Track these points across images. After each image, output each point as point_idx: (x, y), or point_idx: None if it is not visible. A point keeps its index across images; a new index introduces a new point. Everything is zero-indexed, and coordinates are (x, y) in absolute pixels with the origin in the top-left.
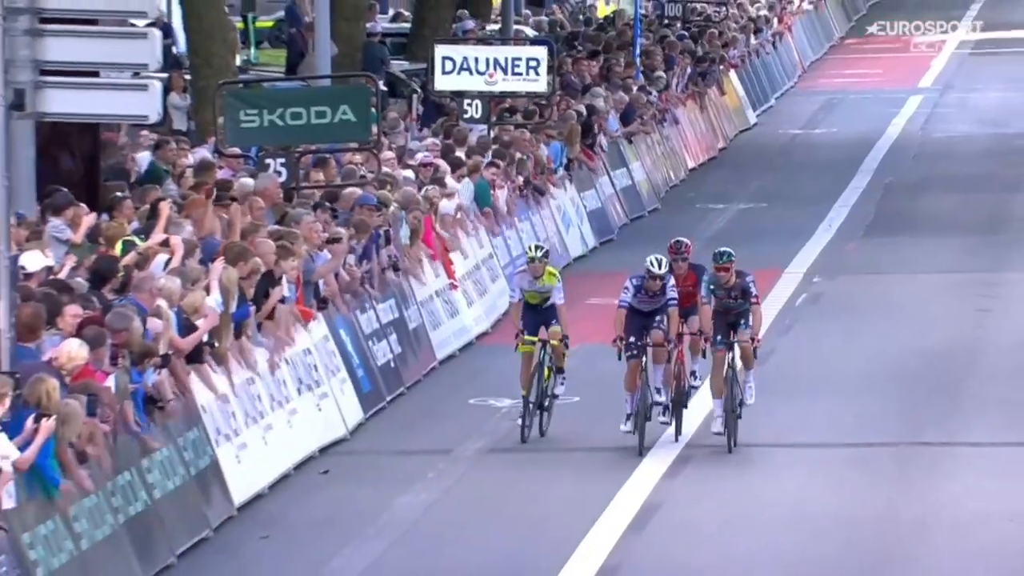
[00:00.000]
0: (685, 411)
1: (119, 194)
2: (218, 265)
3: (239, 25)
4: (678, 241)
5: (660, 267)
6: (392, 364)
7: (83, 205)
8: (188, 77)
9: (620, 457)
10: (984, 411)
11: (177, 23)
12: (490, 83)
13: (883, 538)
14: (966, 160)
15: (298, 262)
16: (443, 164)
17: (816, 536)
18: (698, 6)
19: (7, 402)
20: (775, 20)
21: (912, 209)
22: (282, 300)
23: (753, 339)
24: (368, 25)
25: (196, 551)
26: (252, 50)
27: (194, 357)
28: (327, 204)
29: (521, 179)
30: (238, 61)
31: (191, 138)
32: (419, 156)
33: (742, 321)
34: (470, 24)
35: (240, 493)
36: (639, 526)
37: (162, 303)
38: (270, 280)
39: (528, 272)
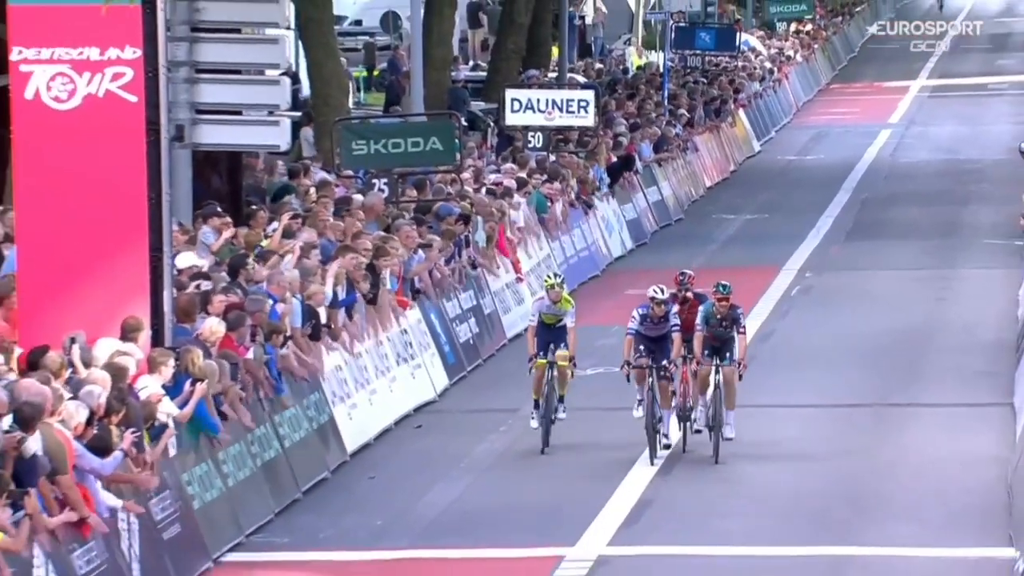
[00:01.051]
0: (689, 424)
1: (255, 207)
2: (334, 265)
3: (362, 74)
4: (683, 273)
5: (663, 294)
6: (471, 341)
7: (228, 216)
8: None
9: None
10: (940, 379)
11: (303, 72)
12: (549, 119)
13: (861, 476)
14: (926, 180)
15: (396, 261)
16: (511, 182)
17: (810, 474)
18: (714, 58)
19: (169, 371)
20: (775, 69)
21: (883, 219)
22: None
23: (740, 362)
24: (453, 73)
25: (317, 488)
26: (361, 93)
27: (315, 335)
28: (422, 216)
29: (572, 195)
30: (350, 102)
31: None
32: (491, 177)
33: (727, 353)
34: (533, 73)
35: (351, 443)
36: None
37: (287, 292)
38: (375, 275)
39: (547, 297)
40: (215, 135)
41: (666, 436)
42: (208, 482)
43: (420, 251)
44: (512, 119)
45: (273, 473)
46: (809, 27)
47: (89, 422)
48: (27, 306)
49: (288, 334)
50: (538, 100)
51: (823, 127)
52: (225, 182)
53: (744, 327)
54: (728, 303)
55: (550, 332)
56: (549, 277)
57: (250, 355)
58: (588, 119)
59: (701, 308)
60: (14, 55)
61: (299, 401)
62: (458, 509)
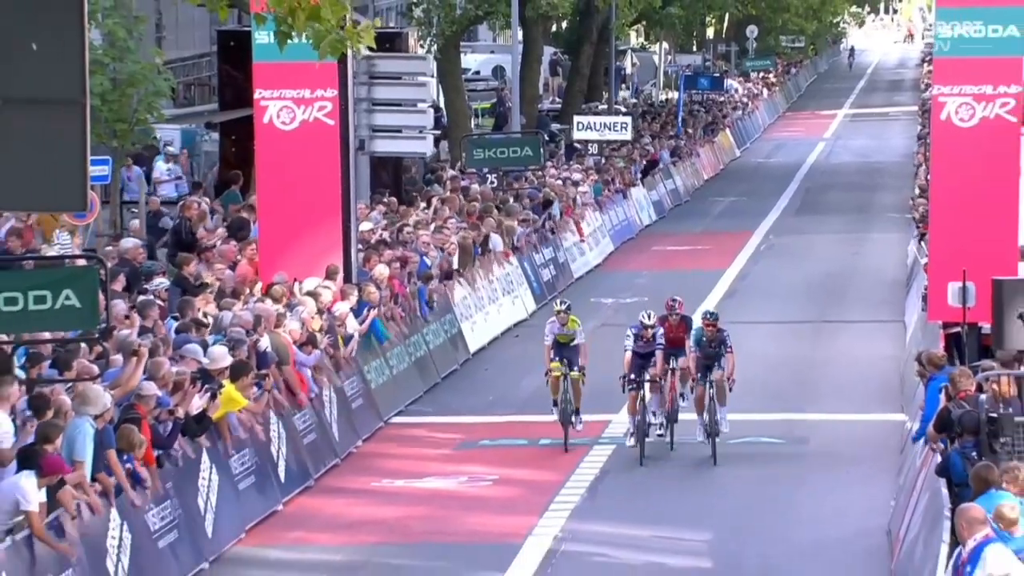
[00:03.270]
0: (676, 425)
1: (411, 193)
2: (462, 233)
3: (481, 106)
4: (673, 299)
5: (650, 319)
6: (550, 280)
7: (393, 199)
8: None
9: None
10: (857, 304)
11: (443, 104)
12: (601, 134)
13: (805, 368)
14: (847, 175)
15: (503, 230)
16: (577, 176)
17: (772, 368)
18: (709, 95)
19: (354, 299)
20: (749, 102)
21: (820, 200)
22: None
23: (729, 377)
24: (539, 105)
25: (450, 376)
26: (480, 119)
27: (448, 276)
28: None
29: (616, 185)
30: (472, 125)
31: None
32: (564, 173)
33: (716, 364)
34: (592, 105)
35: (473, 346)
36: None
37: (433, 249)
38: (487, 238)
39: (557, 321)
40: (384, 146)
41: (660, 428)
42: (380, 371)
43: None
44: (578, 135)
45: (422, 366)
46: (772, 76)
47: (305, 334)
48: (264, 258)
49: (432, 276)
50: (594, 123)
51: (781, 140)
52: (391, 176)
53: (731, 347)
54: (715, 327)
55: (564, 349)
56: (557, 304)
57: (408, 290)
58: (627, 135)
59: (692, 332)
60: (256, 95)
61: (439, 319)
62: (541, 390)
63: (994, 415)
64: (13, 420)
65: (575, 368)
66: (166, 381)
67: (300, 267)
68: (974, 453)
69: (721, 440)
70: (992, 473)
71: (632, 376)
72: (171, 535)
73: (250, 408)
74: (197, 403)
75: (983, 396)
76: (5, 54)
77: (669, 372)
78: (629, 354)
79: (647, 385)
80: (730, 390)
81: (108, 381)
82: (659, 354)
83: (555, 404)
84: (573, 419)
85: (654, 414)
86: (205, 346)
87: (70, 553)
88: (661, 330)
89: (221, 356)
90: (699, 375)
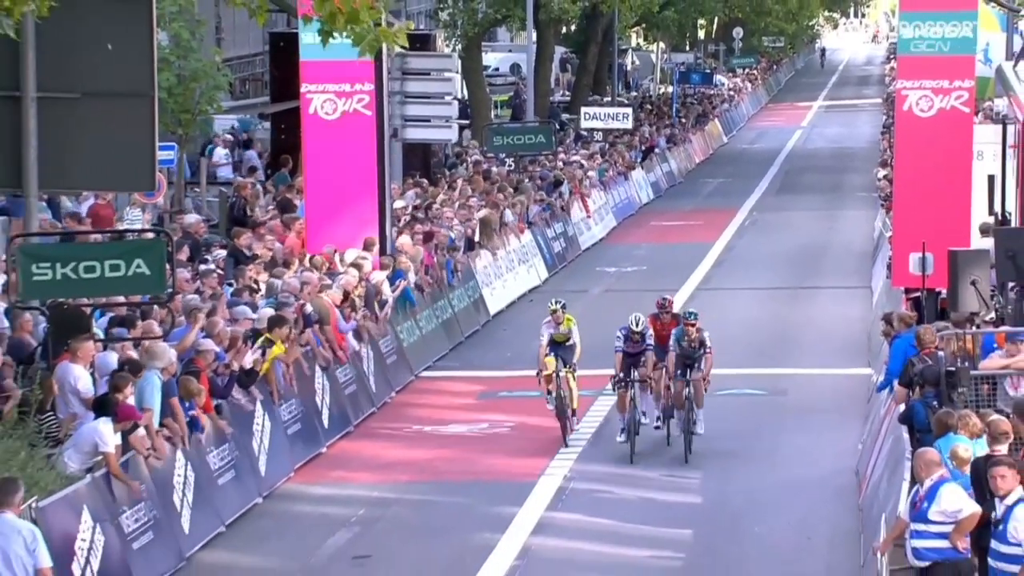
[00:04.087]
0: (672, 421)
1: (438, 175)
2: (484, 210)
3: (500, 98)
4: (664, 298)
5: (638, 325)
6: (560, 251)
7: (424, 179)
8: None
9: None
10: (830, 272)
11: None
12: (605, 123)
13: (786, 327)
14: (821, 159)
15: (519, 208)
16: (584, 160)
17: (755, 328)
18: (700, 89)
19: (388, 269)
20: (736, 95)
21: (798, 182)
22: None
23: (704, 378)
24: (550, 98)
25: (473, 335)
26: (499, 109)
27: (471, 247)
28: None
29: (619, 167)
30: (492, 115)
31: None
32: (573, 156)
33: (696, 364)
34: (596, 97)
35: (493, 309)
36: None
37: (457, 224)
38: (501, 216)
39: (552, 320)
40: (415, 134)
41: (657, 420)
42: (410, 331)
43: (535, 204)
44: (585, 124)
45: (448, 326)
46: (755, 72)
47: (346, 298)
48: (310, 232)
49: (457, 248)
50: (600, 113)
51: (763, 128)
52: (421, 161)
53: (711, 348)
54: (695, 327)
55: (560, 348)
56: (552, 304)
57: (435, 260)
58: (627, 124)
59: (673, 331)
60: (303, 88)
61: (463, 284)
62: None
63: (952, 369)
64: (92, 374)
65: (568, 366)
66: (222, 339)
67: (341, 240)
68: (935, 403)
69: (710, 392)
70: (951, 419)
71: (621, 375)
72: (229, 474)
73: (282, 358)
74: (249, 358)
75: (941, 352)
76: (85, 53)
77: (663, 370)
78: (619, 354)
79: (637, 384)
80: (705, 390)
81: (175, 340)
82: (649, 354)
83: (548, 393)
84: (569, 417)
85: (644, 413)
86: (255, 309)
87: (137, 490)
88: (650, 331)
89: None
90: (678, 372)
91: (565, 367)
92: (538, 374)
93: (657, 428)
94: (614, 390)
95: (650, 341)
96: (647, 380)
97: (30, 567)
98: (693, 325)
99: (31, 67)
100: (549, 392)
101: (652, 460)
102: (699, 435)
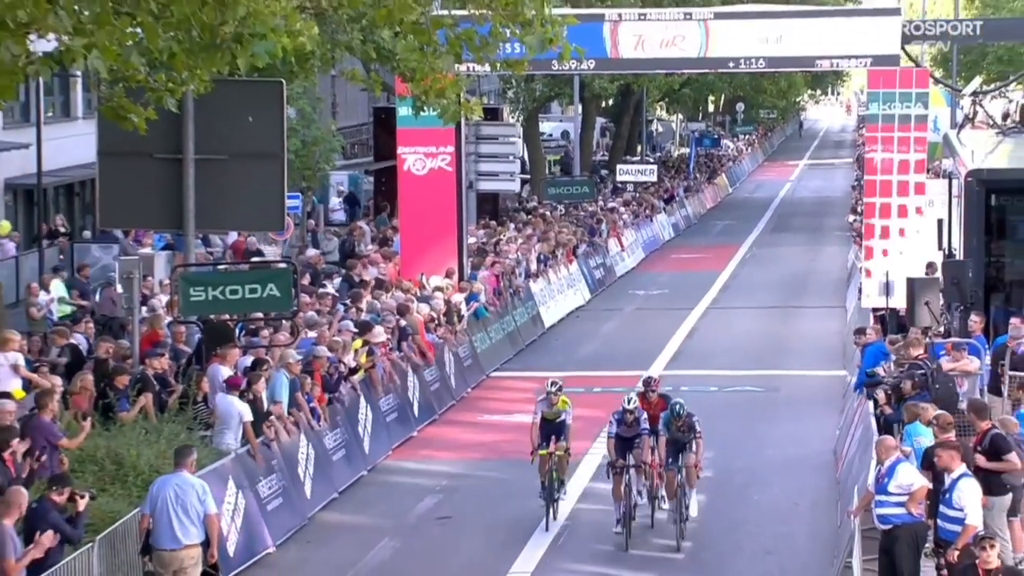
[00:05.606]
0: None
1: (505, 219)
2: (539, 244)
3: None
4: (649, 378)
5: (631, 404)
6: (600, 277)
7: (493, 222)
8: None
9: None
10: (813, 294)
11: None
12: (635, 177)
13: (777, 339)
14: (806, 206)
15: (572, 238)
16: (620, 207)
17: (754, 338)
18: (712, 151)
19: (466, 292)
20: (739, 155)
21: (787, 224)
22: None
23: (696, 464)
24: (593, 157)
25: (531, 344)
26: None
27: (529, 275)
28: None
29: (647, 211)
30: (546, 171)
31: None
32: (610, 203)
33: (688, 447)
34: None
35: (548, 322)
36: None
37: (531, 245)
38: (557, 246)
39: (547, 401)
40: (486, 185)
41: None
42: (482, 340)
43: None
44: (620, 178)
45: (512, 336)
46: (754, 136)
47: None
48: (404, 263)
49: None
50: (631, 169)
51: (761, 181)
52: (491, 207)
53: (700, 432)
54: (681, 421)
55: (551, 426)
56: (549, 386)
57: (502, 284)
58: (653, 178)
59: (662, 415)
60: (399, 150)
61: (523, 303)
62: (594, 353)
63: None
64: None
65: (560, 440)
66: (334, 346)
67: (428, 269)
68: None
69: (718, 388)
70: (917, 408)
71: (616, 460)
72: (341, 452)
73: (364, 362)
74: (350, 358)
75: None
76: (231, 124)
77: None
78: (612, 439)
79: (632, 470)
80: (698, 477)
81: (303, 348)
82: (645, 439)
83: (542, 487)
84: (556, 492)
85: (640, 493)
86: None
87: (261, 461)
88: (645, 415)
89: (376, 331)
90: (669, 460)
91: (556, 441)
92: (532, 452)
93: (663, 508)
94: (608, 476)
95: (645, 425)
96: (641, 466)
97: (201, 513)
98: (678, 419)
99: (190, 135)
100: (542, 484)
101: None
102: (693, 518)
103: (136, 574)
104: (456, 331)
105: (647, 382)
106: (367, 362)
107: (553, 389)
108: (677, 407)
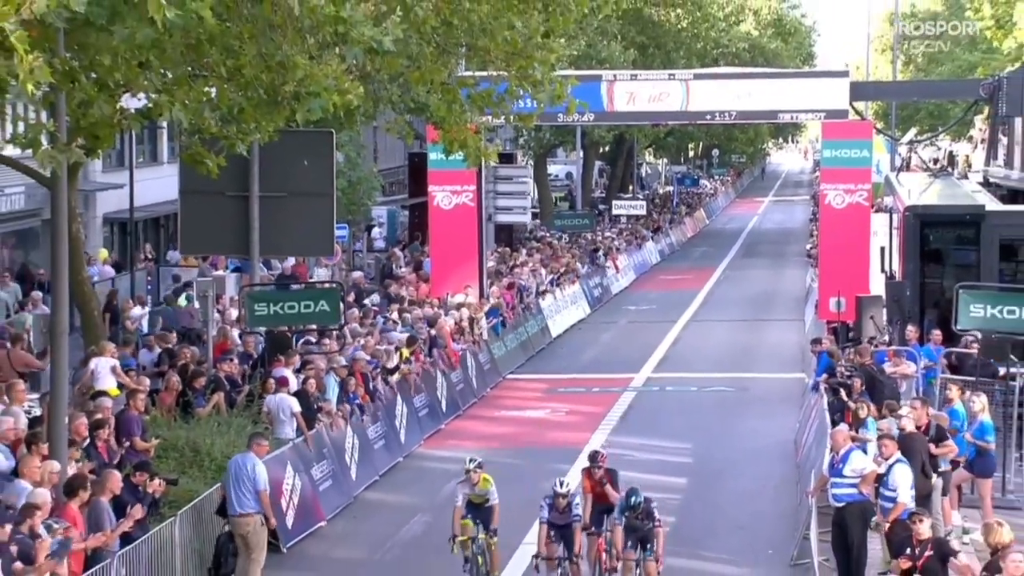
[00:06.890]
0: None
1: (518, 244)
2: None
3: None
4: (595, 452)
5: (562, 487)
6: (599, 295)
7: (507, 248)
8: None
9: None
10: (777, 309)
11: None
12: (628, 211)
13: (746, 348)
14: (770, 235)
15: (574, 266)
16: (614, 236)
17: (727, 346)
18: (692, 190)
19: (487, 307)
20: (715, 192)
21: (755, 250)
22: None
23: (658, 559)
24: (592, 194)
25: (542, 351)
26: (558, 202)
27: (539, 293)
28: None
29: (638, 239)
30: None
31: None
32: (607, 233)
33: (648, 545)
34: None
35: (554, 334)
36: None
37: (540, 268)
38: (567, 271)
39: (468, 481)
40: (503, 218)
41: None
42: (499, 348)
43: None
44: (615, 211)
45: (524, 344)
46: (727, 177)
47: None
48: (434, 283)
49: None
50: (624, 204)
51: (733, 215)
52: (506, 235)
53: (660, 520)
54: (639, 510)
55: (478, 511)
56: (467, 463)
57: (515, 301)
58: (642, 212)
59: (618, 502)
60: (430, 188)
61: (534, 317)
62: (594, 358)
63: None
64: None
65: (488, 531)
66: (373, 352)
67: (453, 288)
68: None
69: (697, 388)
70: (860, 405)
71: (545, 554)
72: (380, 442)
73: (404, 370)
74: (392, 362)
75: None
76: (290, 167)
77: (603, 535)
78: (543, 527)
79: (566, 563)
80: (659, 573)
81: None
82: (577, 527)
83: (465, 562)
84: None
85: None
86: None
87: (313, 449)
88: (577, 499)
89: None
90: (628, 544)
91: (485, 531)
92: (451, 540)
93: None
94: (536, 570)
95: (578, 512)
96: (575, 561)
97: (253, 488)
98: (634, 508)
99: (255, 176)
100: (466, 560)
101: (658, 416)
102: None
103: (211, 543)
104: (476, 340)
105: (592, 457)
106: (406, 371)
107: (472, 466)
108: (632, 498)
